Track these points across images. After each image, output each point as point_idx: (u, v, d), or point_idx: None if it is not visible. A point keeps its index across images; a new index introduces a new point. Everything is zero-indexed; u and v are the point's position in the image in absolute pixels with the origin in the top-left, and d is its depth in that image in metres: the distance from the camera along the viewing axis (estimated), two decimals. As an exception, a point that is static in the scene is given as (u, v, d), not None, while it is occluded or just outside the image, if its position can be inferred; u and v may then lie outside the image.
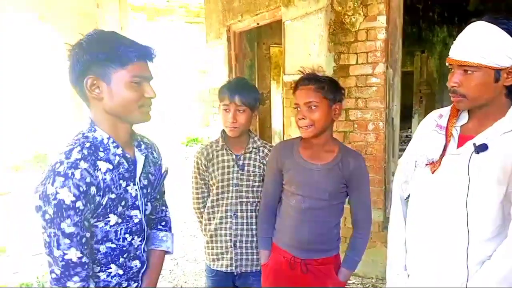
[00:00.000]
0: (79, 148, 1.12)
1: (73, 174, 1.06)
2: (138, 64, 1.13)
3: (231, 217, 1.86)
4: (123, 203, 1.18)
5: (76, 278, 1.08)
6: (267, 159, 1.86)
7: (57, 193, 1.03)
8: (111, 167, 1.16)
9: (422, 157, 1.38)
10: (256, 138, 1.91)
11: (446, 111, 1.39)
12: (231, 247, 1.87)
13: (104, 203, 1.12)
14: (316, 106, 1.55)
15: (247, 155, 1.87)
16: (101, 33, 1.14)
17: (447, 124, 1.34)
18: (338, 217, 1.68)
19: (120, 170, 1.18)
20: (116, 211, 1.16)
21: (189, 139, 9.92)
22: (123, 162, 1.19)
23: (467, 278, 1.25)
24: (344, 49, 3.18)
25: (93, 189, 1.09)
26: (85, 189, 1.06)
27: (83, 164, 1.09)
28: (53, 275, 1.08)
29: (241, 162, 1.86)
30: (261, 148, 1.89)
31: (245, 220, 1.87)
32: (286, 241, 1.69)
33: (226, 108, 1.79)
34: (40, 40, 7.41)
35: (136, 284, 1.30)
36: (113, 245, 1.19)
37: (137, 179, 1.23)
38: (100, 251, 1.17)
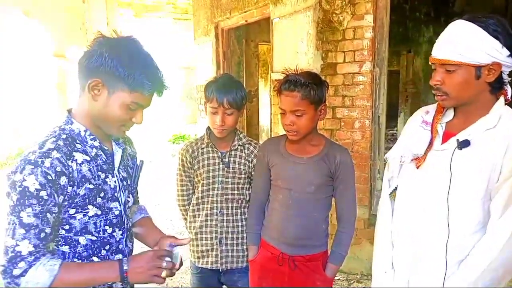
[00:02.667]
0: (53, 139, 1.13)
1: (42, 162, 1.05)
2: (145, 95, 1.15)
3: (216, 214, 1.86)
4: (102, 194, 1.17)
5: (22, 264, 1.03)
6: (252, 156, 1.86)
7: (23, 180, 1.03)
8: (88, 158, 1.16)
9: (408, 152, 1.39)
10: (241, 135, 1.91)
11: (432, 107, 1.41)
12: (217, 244, 1.86)
13: (81, 193, 1.12)
14: (302, 113, 1.55)
15: (233, 152, 1.87)
16: (136, 49, 1.14)
17: (433, 121, 1.36)
18: (325, 212, 1.68)
19: (98, 162, 1.19)
20: (95, 202, 1.16)
21: (175, 137, 9.87)
22: (101, 154, 1.20)
23: (445, 271, 1.26)
24: (332, 48, 3.19)
25: (63, 179, 1.08)
26: (53, 178, 1.05)
27: (55, 154, 1.09)
28: (1, 267, 1.05)
29: (226, 160, 1.86)
30: (246, 145, 1.89)
31: (230, 217, 1.86)
32: (274, 237, 1.70)
33: (214, 111, 1.78)
34: (26, 36, 7.29)
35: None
36: (93, 237, 1.18)
37: (115, 171, 1.24)
38: (80, 243, 1.16)
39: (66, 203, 1.12)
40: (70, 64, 7.37)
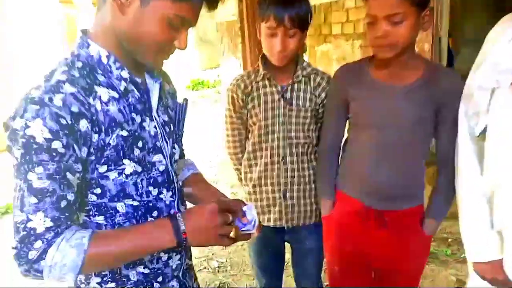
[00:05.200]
0: (65, 68, 0.81)
1: (51, 100, 0.74)
2: (192, 5, 0.82)
3: (278, 163, 1.52)
4: (140, 144, 0.87)
5: (38, 244, 0.75)
6: (319, 89, 1.49)
7: (26, 126, 0.73)
8: (116, 94, 0.85)
9: (505, 74, 1.00)
10: (305, 64, 1.52)
11: None
12: (280, 198, 1.54)
13: (112, 143, 0.82)
14: (401, 19, 1.14)
15: (296, 85, 1.50)
16: None
17: None
18: (422, 155, 1.33)
19: (130, 100, 0.87)
20: (132, 155, 0.85)
21: (194, 83, 9.44)
22: (132, 90, 0.89)
23: None
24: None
25: (84, 123, 0.78)
26: (69, 122, 0.75)
27: (69, 88, 0.77)
28: (13, 251, 0.77)
29: (288, 95, 1.49)
30: (312, 76, 1.51)
31: (295, 166, 1.53)
32: (356, 188, 1.36)
33: (271, 32, 1.38)
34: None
35: (179, 256, 0.99)
36: (135, 203, 0.88)
37: (154, 113, 0.92)
38: (118, 211, 0.87)
39: (92, 157, 0.80)
40: (79, 11, 6.89)
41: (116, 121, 0.83)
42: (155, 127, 0.91)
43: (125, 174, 0.85)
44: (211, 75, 9.61)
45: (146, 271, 0.93)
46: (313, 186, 1.55)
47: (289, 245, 1.67)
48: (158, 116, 0.93)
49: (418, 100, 1.23)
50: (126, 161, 0.84)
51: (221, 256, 2.82)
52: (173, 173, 0.96)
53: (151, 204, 0.91)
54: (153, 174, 0.90)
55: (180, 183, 1.02)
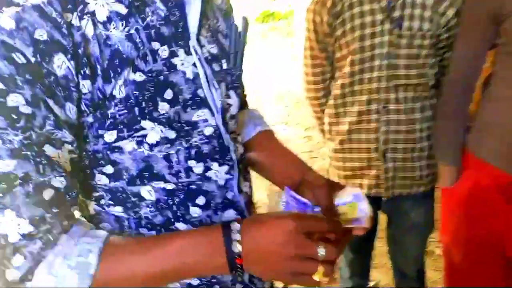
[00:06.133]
0: None
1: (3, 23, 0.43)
2: None
3: (378, 112, 1.11)
4: (169, 95, 0.53)
5: (18, 260, 0.45)
6: (445, 3, 1.02)
7: None
8: (122, 9, 0.50)
9: None
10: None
11: None
12: (378, 159, 1.14)
13: (119, 95, 0.49)
14: None
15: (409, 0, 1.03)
16: None
17: None
18: None
19: (148, 19, 0.52)
20: (155, 114, 0.52)
21: (264, 15, 8.84)
22: (155, 2, 0.51)
23: None
24: None
25: (59, 61, 0.45)
26: (32, 59, 0.44)
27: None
28: None
29: (397, 14, 1.04)
30: (434, -15, 1.03)
31: (403, 116, 1.11)
32: (502, 151, 0.92)
33: None
34: None
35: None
36: (169, 185, 0.56)
37: (193, 42, 0.55)
38: (144, 199, 0.55)
39: (90, 118, 0.50)
40: None
41: (122, 57, 0.49)
42: (194, 64, 0.55)
43: (148, 144, 0.52)
44: (282, 5, 8.91)
45: (195, 282, 0.61)
46: (425, 144, 1.13)
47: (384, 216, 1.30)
48: (201, 46, 0.57)
49: None
50: (147, 123, 0.51)
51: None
52: (228, 137, 0.60)
53: (194, 186, 0.57)
54: (195, 142, 0.56)
55: (241, 149, 0.66)
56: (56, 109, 0.45)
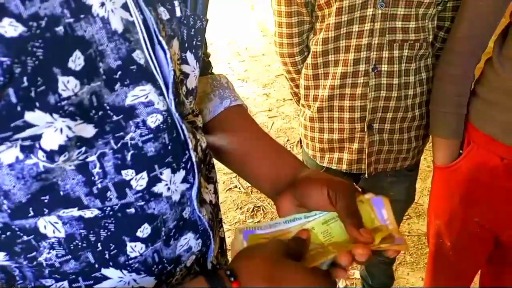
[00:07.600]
0: None
1: None
2: None
3: (366, 74, 0.92)
4: (77, 62, 0.29)
5: None
6: None
7: None
8: None
9: None
10: None
11: None
12: (363, 129, 0.97)
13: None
14: None
15: None
16: None
17: None
18: None
19: None
20: (52, 98, 0.29)
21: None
22: None
23: None
24: None
25: None
26: None
27: None
28: None
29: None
30: None
31: (395, 80, 0.92)
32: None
33: None
34: None
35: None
36: (90, 213, 0.34)
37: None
38: (46, 238, 0.34)
39: None
40: None
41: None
42: (126, 7, 0.33)
43: (43, 151, 0.30)
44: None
45: None
46: (417, 113, 0.96)
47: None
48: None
49: None
50: (36, 114, 0.29)
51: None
52: (184, 127, 0.38)
53: (132, 210, 0.36)
54: (132, 139, 0.35)
55: (203, 141, 0.44)
56: None
